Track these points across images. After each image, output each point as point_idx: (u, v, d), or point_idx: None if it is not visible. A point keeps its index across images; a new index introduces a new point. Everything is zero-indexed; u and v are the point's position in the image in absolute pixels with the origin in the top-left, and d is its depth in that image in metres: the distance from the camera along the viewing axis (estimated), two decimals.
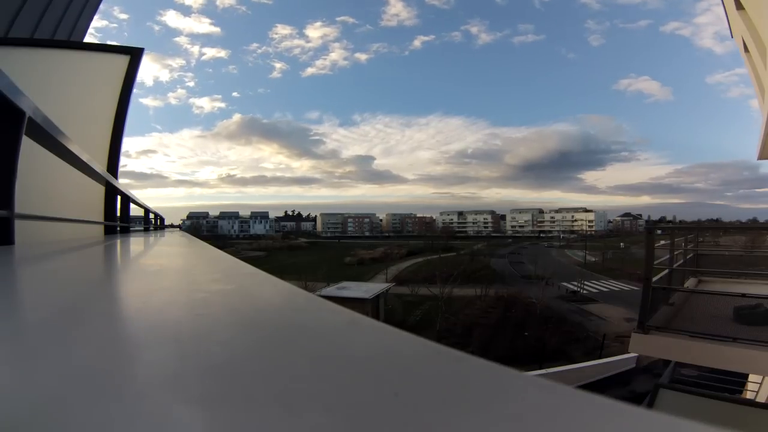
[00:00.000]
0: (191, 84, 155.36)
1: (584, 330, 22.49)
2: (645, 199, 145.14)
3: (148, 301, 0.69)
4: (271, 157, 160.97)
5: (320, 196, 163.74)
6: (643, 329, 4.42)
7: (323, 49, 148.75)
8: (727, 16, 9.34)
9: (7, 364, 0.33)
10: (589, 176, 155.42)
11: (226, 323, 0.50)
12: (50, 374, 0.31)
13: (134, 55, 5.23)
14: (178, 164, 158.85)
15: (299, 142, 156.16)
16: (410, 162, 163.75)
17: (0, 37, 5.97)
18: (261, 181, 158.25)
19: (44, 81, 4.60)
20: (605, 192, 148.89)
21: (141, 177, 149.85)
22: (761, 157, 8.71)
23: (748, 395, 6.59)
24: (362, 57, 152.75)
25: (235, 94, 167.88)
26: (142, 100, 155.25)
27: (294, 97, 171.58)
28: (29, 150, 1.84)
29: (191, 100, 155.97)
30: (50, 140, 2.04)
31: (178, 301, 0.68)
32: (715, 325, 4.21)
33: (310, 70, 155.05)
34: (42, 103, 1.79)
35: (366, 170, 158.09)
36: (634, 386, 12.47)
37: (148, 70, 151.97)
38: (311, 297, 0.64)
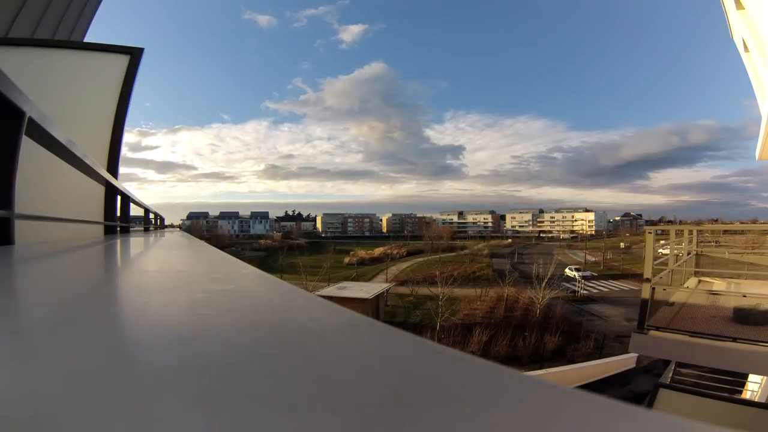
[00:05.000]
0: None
1: (584, 330, 22.50)
2: (683, 198, 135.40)
3: (148, 301, 0.69)
4: (370, 134, 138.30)
5: (356, 194, 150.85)
6: (643, 329, 4.43)
7: None
8: (727, 16, 9.32)
9: (8, 364, 0.33)
10: (660, 175, 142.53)
11: (227, 323, 0.50)
12: (51, 374, 0.31)
13: (134, 55, 5.24)
14: (221, 157, 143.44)
15: (413, 123, 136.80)
16: (472, 160, 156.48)
17: (0, 37, 5.97)
18: (307, 174, 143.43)
19: (44, 81, 4.60)
20: (655, 191, 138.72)
21: (165, 167, 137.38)
22: (761, 157, 8.70)
23: (748, 395, 6.59)
24: None
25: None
26: (248, 14, 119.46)
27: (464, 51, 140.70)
28: (29, 150, 1.84)
29: (328, 20, 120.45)
30: (50, 140, 2.04)
31: (178, 300, 0.68)
32: (715, 325, 4.22)
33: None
34: (42, 103, 1.79)
35: (438, 164, 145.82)
36: (634, 386, 12.48)
37: None
38: (311, 297, 0.64)
